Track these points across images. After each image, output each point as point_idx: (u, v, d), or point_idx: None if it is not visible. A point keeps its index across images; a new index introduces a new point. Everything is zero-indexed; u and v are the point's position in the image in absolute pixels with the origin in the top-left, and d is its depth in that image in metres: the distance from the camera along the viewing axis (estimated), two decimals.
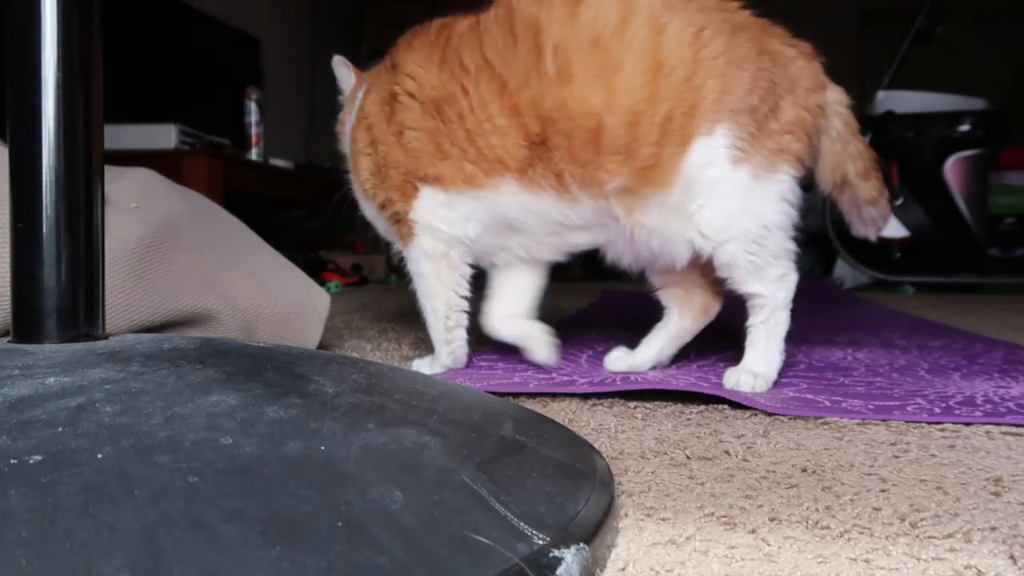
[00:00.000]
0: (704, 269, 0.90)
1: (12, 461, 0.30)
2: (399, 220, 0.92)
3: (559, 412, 0.73)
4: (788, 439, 0.63)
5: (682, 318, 0.93)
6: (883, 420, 0.69)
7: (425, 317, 0.95)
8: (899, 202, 2.94)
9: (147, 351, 0.44)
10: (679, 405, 0.76)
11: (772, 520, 0.44)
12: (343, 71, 1.02)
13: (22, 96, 0.45)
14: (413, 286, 0.95)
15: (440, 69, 0.85)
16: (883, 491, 0.49)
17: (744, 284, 0.84)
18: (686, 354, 1.06)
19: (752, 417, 0.71)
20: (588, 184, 0.82)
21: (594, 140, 0.80)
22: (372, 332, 1.33)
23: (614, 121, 0.79)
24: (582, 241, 0.92)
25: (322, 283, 2.28)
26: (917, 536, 0.42)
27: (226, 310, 0.85)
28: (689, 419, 0.70)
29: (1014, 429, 0.66)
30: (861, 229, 0.95)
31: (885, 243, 3.00)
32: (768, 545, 0.41)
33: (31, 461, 0.30)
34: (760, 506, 0.46)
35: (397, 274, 1.66)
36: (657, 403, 0.77)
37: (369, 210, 0.98)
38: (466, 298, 0.93)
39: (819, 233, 3.40)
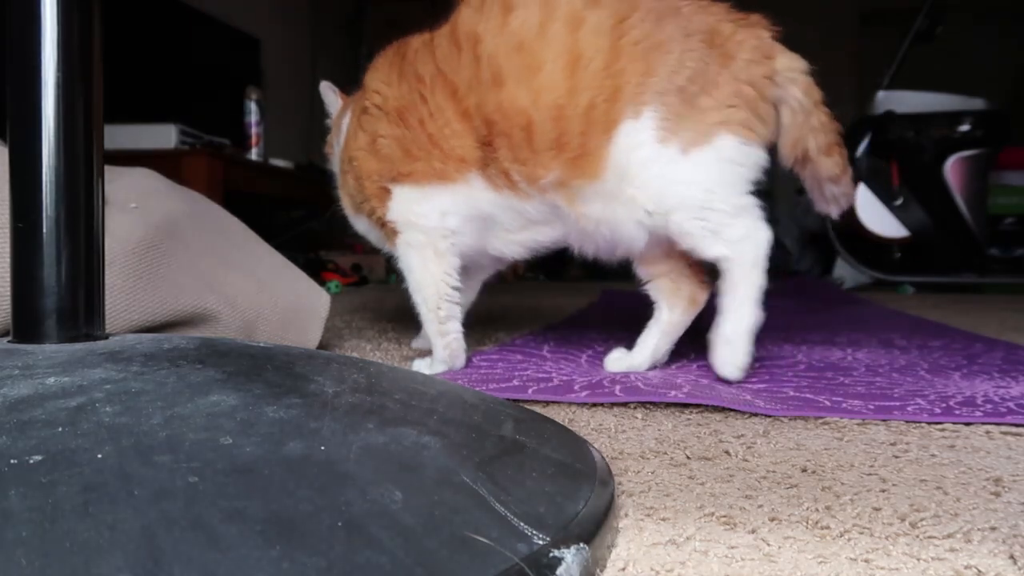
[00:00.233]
0: (687, 257, 0.91)
1: (12, 461, 0.30)
2: (383, 224, 0.96)
3: (559, 412, 0.73)
4: (788, 439, 0.63)
5: (671, 312, 0.94)
6: (883, 420, 0.69)
7: (419, 312, 0.96)
8: (899, 202, 2.94)
9: (147, 351, 0.44)
10: (679, 405, 0.76)
11: (772, 520, 0.44)
12: (330, 96, 1.09)
13: (22, 96, 0.45)
14: (405, 284, 0.97)
15: (400, 82, 0.92)
16: (883, 491, 0.49)
17: (706, 250, 0.85)
18: (686, 353, 1.06)
19: (752, 417, 0.71)
20: (532, 181, 0.86)
21: (528, 138, 0.84)
22: (372, 332, 1.33)
23: (541, 117, 0.83)
24: (547, 237, 0.94)
25: (322, 283, 2.28)
26: (917, 536, 0.42)
27: (226, 310, 0.85)
28: (689, 419, 0.70)
29: (1014, 429, 0.66)
30: (823, 206, 0.94)
31: (885, 243, 3.00)
32: (768, 545, 0.41)
33: (31, 461, 0.30)
34: (760, 506, 0.46)
35: (397, 274, 1.66)
36: (657, 403, 0.77)
37: (360, 224, 1.03)
38: (457, 289, 0.95)
39: (819, 233, 3.40)
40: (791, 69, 0.85)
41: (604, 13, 0.83)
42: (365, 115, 0.96)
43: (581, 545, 0.34)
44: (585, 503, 0.39)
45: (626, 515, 0.45)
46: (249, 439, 0.34)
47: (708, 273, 0.92)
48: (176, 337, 0.49)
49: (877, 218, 2.96)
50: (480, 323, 1.25)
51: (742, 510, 0.46)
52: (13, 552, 0.26)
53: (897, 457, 0.58)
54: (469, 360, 0.98)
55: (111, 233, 0.74)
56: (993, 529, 0.43)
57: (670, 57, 0.82)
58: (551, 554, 0.32)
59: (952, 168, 2.91)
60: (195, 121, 2.38)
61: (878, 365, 0.99)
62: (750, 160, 0.84)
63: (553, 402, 0.76)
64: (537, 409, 0.72)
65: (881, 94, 3.04)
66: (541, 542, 0.33)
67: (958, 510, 0.46)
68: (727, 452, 0.59)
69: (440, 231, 0.93)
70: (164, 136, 2.23)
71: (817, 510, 0.46)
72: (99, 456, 0.31)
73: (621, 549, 0.40)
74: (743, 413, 0.72)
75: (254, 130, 2.61)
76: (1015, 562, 0.39)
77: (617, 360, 0.94)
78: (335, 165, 1.06)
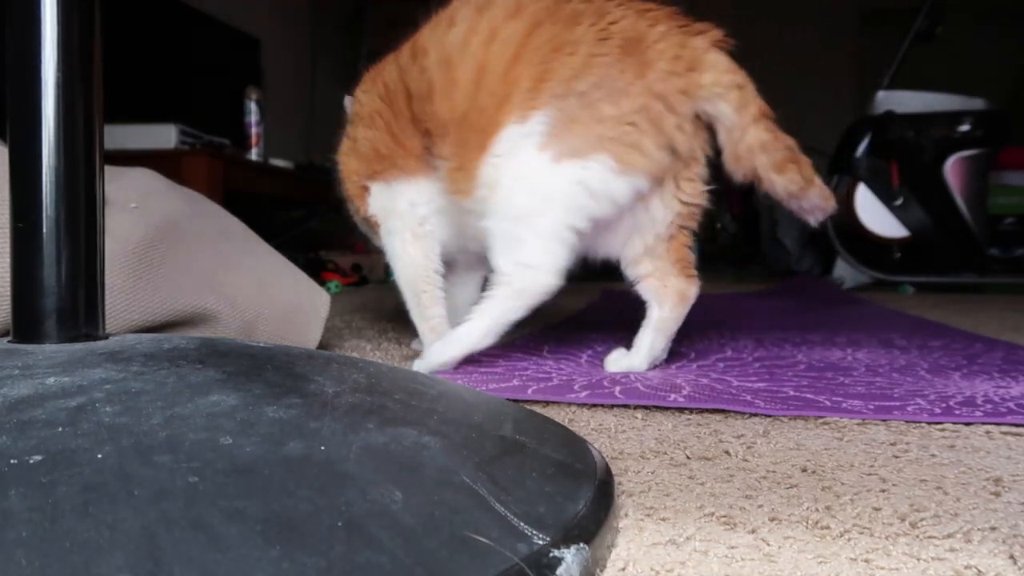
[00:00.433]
0: (671, 253, 0.91)
1: (12, 461, 0.30)
2: (367, 220, 1.04)
3: (559, 412, 0.73)
4: (788, 439, 0.63)
5: (661, 309, 0.93)
6: (883, 420, 0.69)
7: (404, 299, 0.99)
8: (899, 202, 2.94)
9: (147, 351, 0.44)
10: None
11: (772, 520, 0.44)
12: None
13: (22, 96, 0.45)
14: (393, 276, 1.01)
15: (373, 88, 1.00)
16: (883, 491, 0.49)
17: (493, 257, 0.84)
18: (686, 353, 1.06)
19: (752, 417, 0.71)
20: (463, 192, 0.89)
21: (453, 146, 0.89)
22: (372, 332, 1.33)
23: (455, 129, 0.87)
24: None
25: (322, 283, 2.28)
26: (917, 536, 0.42)
27: (226, 310, 0.85)
28: (689, 419, 0.70)
29: (1014, 429, 0.66)
30: (804, 216, 0.90)
31: (885, 243, 3.00)
32: (768, 545, 0.41)
33: (31, 461, 0.30)
34: (760, 506, 0.46)
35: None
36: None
37: (364, 225, 1.10)
38: (440, 274, 0.98)
39: (819, 233, 3.40)
40: (719, 84, 0.81)
41: (520, 23, 0.83)
42: (350, 122, 1.04)
43: (581, 545, 0.34)
44: (585, 503, 0.39)
45: (626, 515, 0.45)
46: (249, 439, 0.34)
47: (691, 265, 0.93)
48: (176, 337, 0.49)
49: (877, 218, 2.96)
50: None
51: (742, 510, 0.46)
52: (13, 552, 0.26)
53: (897, 457, 0.58)
54: (468, 359, 0.98)
55: (111, 233, 0.74)
56: (993, 529, 0.43)
57: (573, 59, 0.80)
58: (551, 554, 0.32)
59: (952, 168, 2.91)
60: (195, 121, 2.37)
61: (878, 365, 0.99)
62: (609, 193, 0.81)
63: (553, 402, 0.76)
64: (537, 409, 0.72)
65: (881, 94, 3.04)
66: (541, 542, 0.33)
67: (958, 510, 0.46)
68: (727, 452, 0.59)
69: (413, 217, 0.98)
70: (164, 136, 2.23)
71: (817, 510, 0.46)
72: (99, 456, 0.31)
73: (621, 549, 0.40)
74: (743, 413, 0.72)
75: (254, 130, 2.61)
76: (1015, 562, 0.39)
77: (616, 361, 0.94)
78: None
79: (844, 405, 0.74)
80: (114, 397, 0.36)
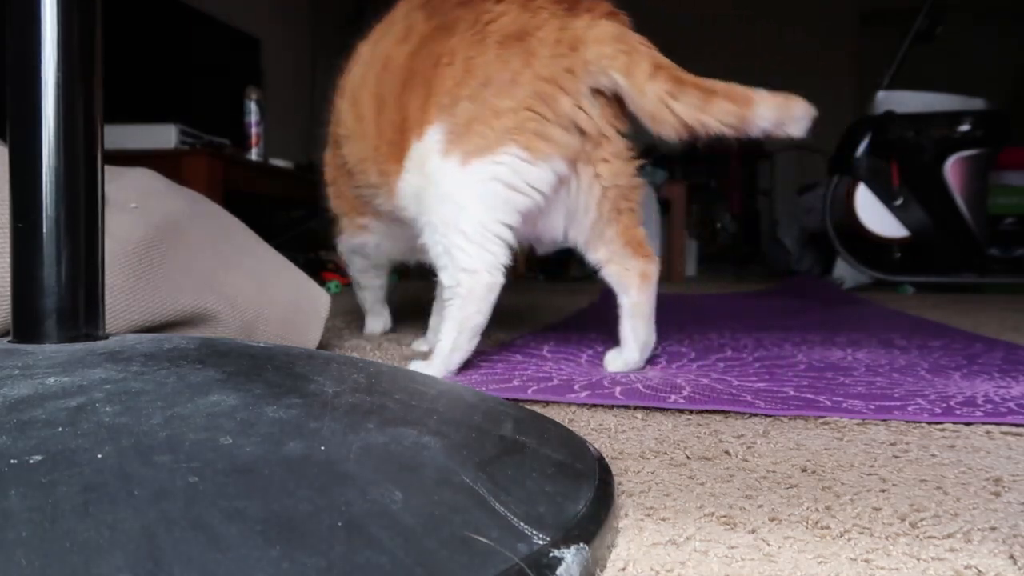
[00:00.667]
0: (621, 236, 0.91)
1: (12, 461, 0.30)
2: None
3: (559, 412, 0.73)
4: (788, 439, 0.63)
5: (628, 293, 0.93)
6: (883, 420, 0.69)
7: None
8: (899, 202, 2.94)
9: (147, 351, 0.44)
10: None
11: (772, 520, 0.44)
12: None
13: (22, 96, 0.45)
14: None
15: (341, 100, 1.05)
16: (883, 491, 0.49)
17: (439, 271, 0.88)
18: (686, 353, 1.06)
19: (752, 417, 0.71)
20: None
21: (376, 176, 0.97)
22: None
23: (372, 161, 0.96)
24: None
25: (322, 283, 2.28)
26: (917, 536, 0.42)
27: (226, 310, 0.85)
28: (689, 419, 0.70)
29: (1014, 429, 0.66)
30: (782, 131, 0.82)
31: (885, 243, 3.00)
32: (768, 545, 0.41)
33: (31, 461, 0.30)
34: (760, 506, 0.46)
35: (397, 274, 1.68)
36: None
37: None
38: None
39: (819, 233, 3.40)
40: (603, 56, 0.82)
41: (408, 47, 0.89)
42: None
43: (581, 545, 0.34)
44: (585, 503, 0.39)
45: (626, 515, 0.45)
46: (249, 439, 0.34)
47: (643, 241, 0.94)
48: (176, 337, 0.49)
49: (877, 218, 2.96)
50: None
51: (742, 510, 0.46)
52: (13, 552, 0.26)
53: (897, 457, 0.58)
54: (469, 360, 0.98)
55: (111, 233, 0.74)
56: (993, 529, 0.43)
57: (452, 69, 0.83)
58: (551, 554, 0.32)
59: (952, 168, 2.91)
60: (195, 121, 2.37)
61: (878, 365, 0.99)
62: (527, 182, 0.83)
63: (553, 402, 0.76)
64: (537, 409, 0.72)
65: (881, 94, 3.04)
66: (541, 542, 0.33)
67: (958, 510, 0.46)
68: (727, 452, 0.59)
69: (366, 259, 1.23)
70: (164, 136, 2.23)
71: (817, 510, 0.46)
72: (99, 456, 0.31)
73: (621, 549, 0.40)
74: (743, 413, 0.72)
75: (254, 130, 2.61)
76: (1015, 562, 0.39)
77: (613, 360, 0.94)
78: None
79: (844, 405, 0.74)
80: (114, 397, 0.36)
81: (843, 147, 3.07)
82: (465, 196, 0.83)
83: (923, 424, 0.68)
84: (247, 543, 0.28)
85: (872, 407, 0.73)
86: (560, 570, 0.32)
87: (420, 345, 1.13)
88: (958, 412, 0.71)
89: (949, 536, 0.42)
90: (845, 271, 3.12)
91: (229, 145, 2.51)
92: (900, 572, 0.38)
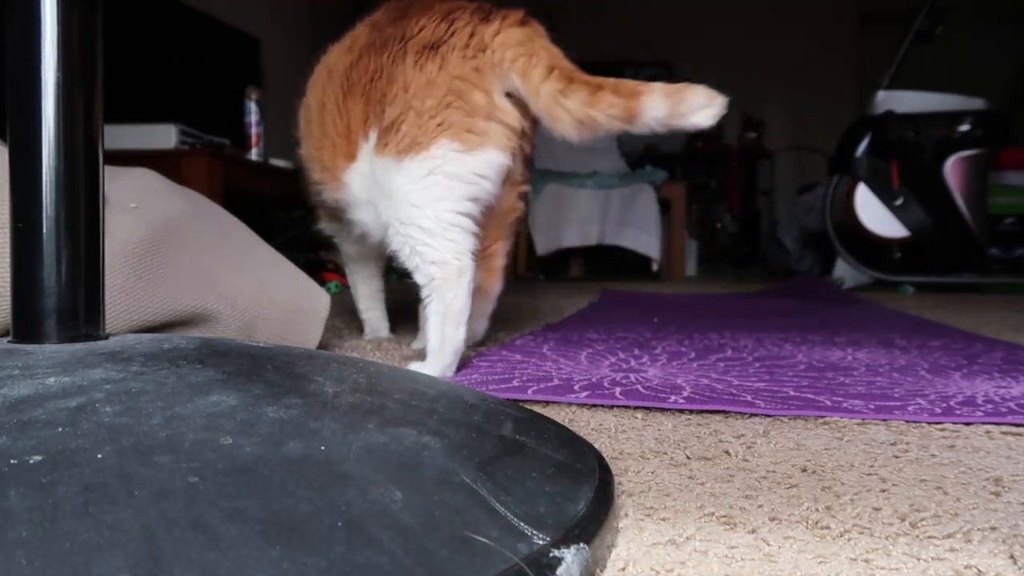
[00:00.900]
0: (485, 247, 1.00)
1: (12, 461, 0.30)
2: None
3: (559, 412, 0.73)
4: (788, 439, 0.63)
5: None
6: (883, 420, 0.69)
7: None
8: (899, 202, 2.94)
9: (147, 351, 0.44)
10: None
11: (772, 520, 0.44)
12: None
13: (22, 96, 0.45)
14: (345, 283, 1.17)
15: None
16: (883, 491, 0.49)
17: (412, 271, 0.92)
18: (686, 353, 1.06)
19: (752, 417, 0.71)
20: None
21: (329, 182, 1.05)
22: None
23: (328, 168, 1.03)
24: None
25: (322, 283, 2.28)
26: (917, 536, 0.42)
27: (226, 310, 0.85)
28: (689, 419, 0.70)
29: (1014, 429, 0.66)
30: (682, 124, 0.83)
31: (885, 243, 3.00)
32: (768, 545, 0.41)
33: (31, 461, 0.30)
34: (760, 506, 0.46)
35: (396, 274, 1.68)
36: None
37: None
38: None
39: (819, 233, 3.40)
40: (504, 58, 0.88)
41: (350, 57, 0.98)
42: None
43: (581, 545, 0.34)
44: (585, 503, 0.39)
45: (626, 515, 0.45)
46: (249, 439, 0.34)
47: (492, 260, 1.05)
48: (176, 337, 0.49)
49: (877, 218, 2.96)
50: None
51: (742, 510, 0.46)
52: (13, 552, 0.26)
53: (897, 457, 0.58)
54: (469, 360, 0.98)
55: (111, 233, 0.74)
56: (993, 529, 0.43)
57: (381, 82, 0.92)
58: (551, 554, 0.32)
59: (952, 168, 2.91)
60: (195, 121, 2.37)
61: (878, 365, 0.99)
62: (469, 170, 0.88)
63: (553, 402, 0.76)
64: (537, 409, 0.72)
65: (881, 94, 3.04)
66: (541, 542, 0.33)
67: (958, 510, 0.46)
68: (727, 452, 0.59)
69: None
70: (164, 136, 2.23)
71: (817, 510, 0.46)
72: (99, 456, 0.31)
73: (621, 549, 0.40)
74: (743, 413, 0.72)
75: (254, 130, 2.61)
76: (1015, 562, 0.39)
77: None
78: None
79: (844, 405, 0.74)
80: (114, 397, 0.36)
81: (843, 147, 3.07)
82: (414, 194, 0.88)
83: (923, 424, 0.68)
84: (247, 543, 0.28)
85: (872, 407, 0.73)
86: (560, 570, 0.32)
87: (418, 344, 1.13)
88: (958, 412, 0.71)
89: (949, 536, 0.42)
90: (845, 271, 3.12)
91: (229, 145, 2.50)
92: (900, 572, 0.38)
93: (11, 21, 0.45)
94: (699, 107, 0.80)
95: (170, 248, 0.83)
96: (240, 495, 0.30)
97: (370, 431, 0.38)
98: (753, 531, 0.42)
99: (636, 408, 0.75)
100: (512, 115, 0.90)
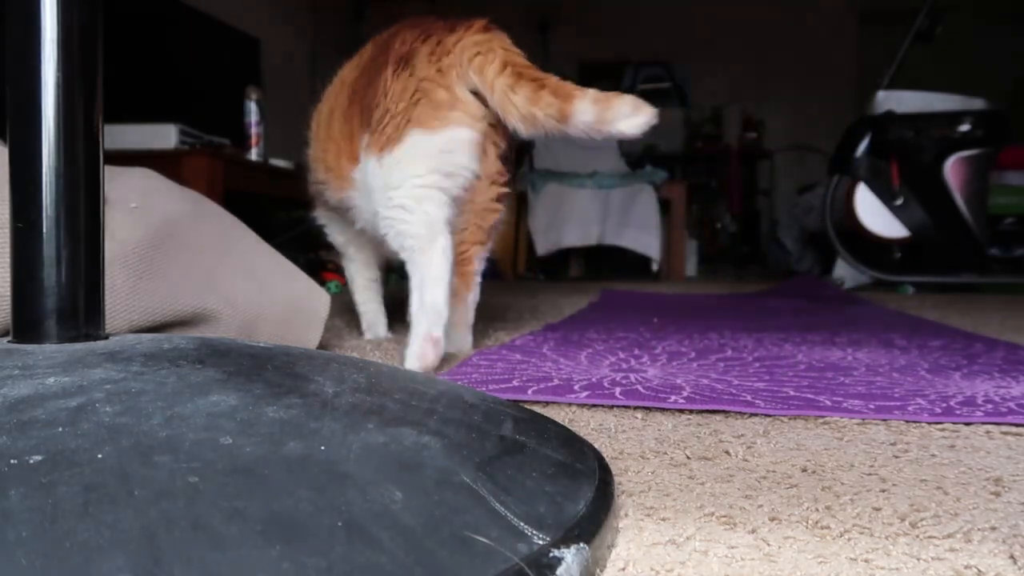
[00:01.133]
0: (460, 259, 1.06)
1: (12, 461, 0.30)
2: None
3: (559, 412, 0.73)
4: (788, 439, 0.63)
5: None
6: (883, 420, 0.69)
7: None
8: (899, 202, 2.94)
9: (147, 351, 0.44)
10: None
11: (772, 520, 0.44)
12: None
13: (22, 96, 0.45)
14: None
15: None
16: (883, 491, 0.49)
17: (395, 248, 0.99)
18: (686, 353, 1.06)
19: (752, 417, 0.71)
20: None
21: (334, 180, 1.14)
22: None
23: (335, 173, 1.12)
24: None
25: (322, 283, 2.28)
26: (917, 536, 0.42)
27: (226, 310, 0.85)
28: (689, 419, 0.70)
29: (1014, 429, 0.66)
30: (612, 131, 0.90)
31: (885, 243, 3.00)
32: (768, 545, 0.41)
33: (31, 461, 0.30)
34: (760, 506, 0.46)
35: (396, 274, 1.69)
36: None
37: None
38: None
39: (819, 233, 3.40)
40: (462, 61, 0.95)
41: (357, 71, 1.10)
42: None
43: (581, 545, 0.34)
44: (585, 503, 0.39)
45: (626, 515, 0.45)
46: (249, 439, 0.34)
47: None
48: (176, 337, 0.49)
49: (877, 218, 2.96)
50: (480, 323, 1.25)
51: (742, 510, 0.46)
52: (13, 552, 0.26)
53: (897, 457, 0.58)
54: (469, 360, 0.98)
55: (111, 233, 0.74)
56: (993, 529, 0.43)
57: (370, 92, 1.02)
58: (551, 554, 0.32)
59: (952, 168, 2.91)
60: (195, 121, 2.37)
61: (878, 365, 0.99)
62: (435, 147, 0.95)
63: (553, 402, 0.76)
64: (537, 409, 0.72)
65: (881, 94, 3.04)
66: (541, 542, 0.33)
67: (958, 510, 0.46)
68: (727, 452, 0.59)
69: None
70: (164, 136, 2.23)
71: (817, 510, 0.46)
72: (99, 456, 0.31)
73: (621, 549, 0.40)
74: (743, 413, 0.72)
75: (254, 130, 2.61)
76: (1015, 562, 0.39)
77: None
78: None
79: (844, 405, 0.74)
80: (114, 397, 0.36)
81: (843, 147, 3.07)
82: (392, 177, 0.96)
83: (923, 424, 0.68)
84: (247, 543, 0.28)
85: (872, 407, 0.73)
86: (560, 570, 0.32)
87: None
88: (958, 412, 0.71)
89: (949, 536, 0.42)
90: (845, 271, 3.12)
91: (229, 145, 2.50)
92: (900, 572, 0.38)
93: (11, 21, 0.45)
94: (625, 115, 0.86)
95: (170, 248, 0.83)
96: (240, 495, 0.30)
97: (370, 431, 0.38)
98: (753, 531, 0.42)
99: (636, 408, 0.75)
100: (475, 105, 0.97)
